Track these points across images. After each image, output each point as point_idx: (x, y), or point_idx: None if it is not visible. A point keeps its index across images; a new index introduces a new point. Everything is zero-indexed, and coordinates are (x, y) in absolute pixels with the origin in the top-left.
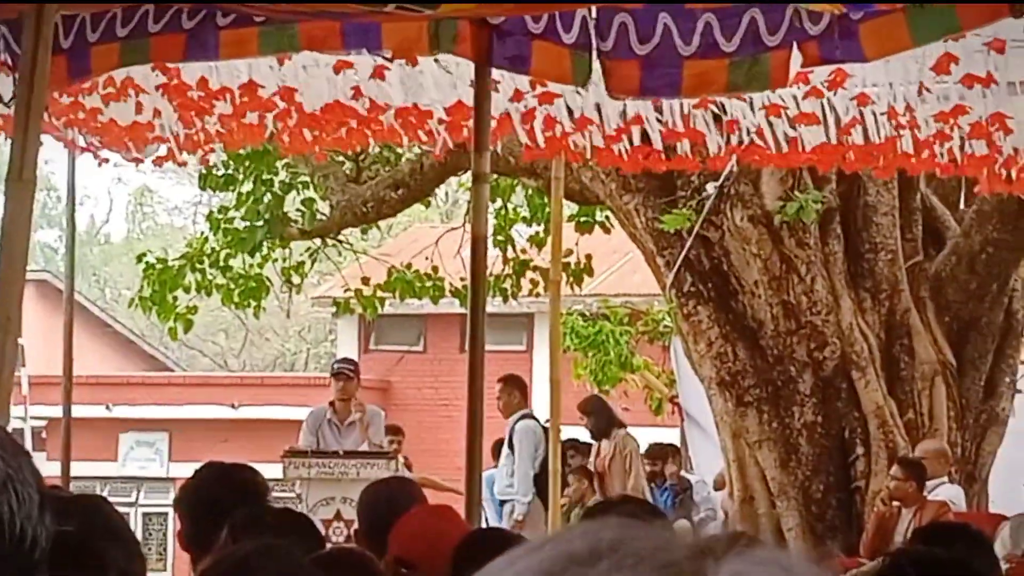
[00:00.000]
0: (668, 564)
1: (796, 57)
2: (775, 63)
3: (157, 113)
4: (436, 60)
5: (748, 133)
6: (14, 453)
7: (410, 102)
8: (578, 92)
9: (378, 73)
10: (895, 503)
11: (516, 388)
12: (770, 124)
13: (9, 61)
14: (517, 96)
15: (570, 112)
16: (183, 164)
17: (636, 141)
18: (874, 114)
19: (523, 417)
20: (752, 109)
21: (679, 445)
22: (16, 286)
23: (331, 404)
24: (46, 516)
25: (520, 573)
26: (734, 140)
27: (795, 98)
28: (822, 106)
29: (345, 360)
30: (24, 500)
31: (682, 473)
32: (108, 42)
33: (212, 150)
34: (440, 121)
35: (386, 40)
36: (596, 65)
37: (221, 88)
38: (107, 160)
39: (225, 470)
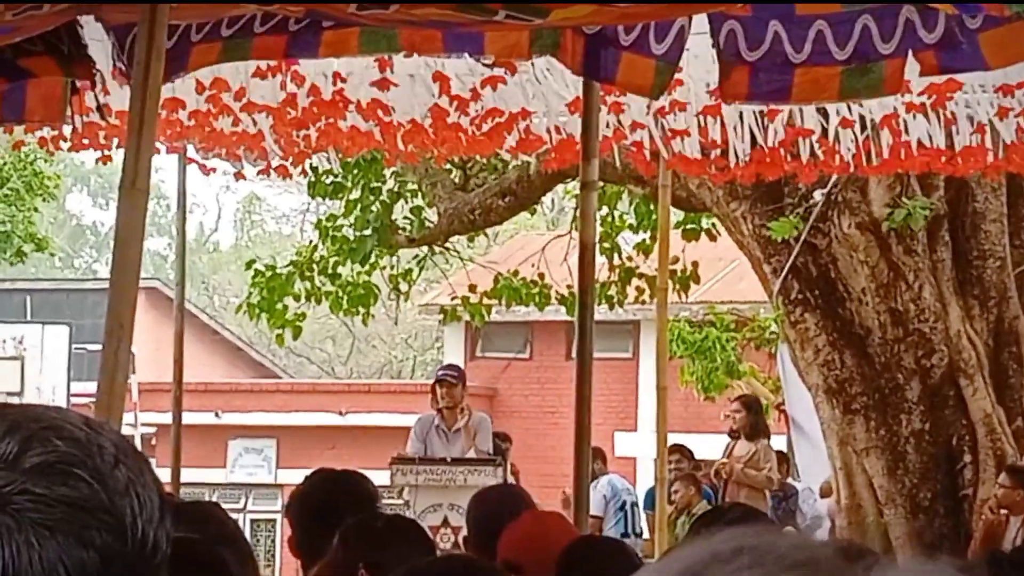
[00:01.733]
0: (806, 563)
1: (912, 65)
2: (890, 71)
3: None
4: (548, 71)
5: (855, 143)
6: (135, 458)
7: (520, 111)
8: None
9: (489, 82)
10: (1003, 511)
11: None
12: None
13: (123, 68)
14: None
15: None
16: (288, 176)
17: (744, 151)
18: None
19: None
20: (865, 123)
21: (785, 452)
22: (129, 294)
23: (439, 411)
24: (167, 520)
25: (662, 570)
26: (844, 150)
27: (902, 105)
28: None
29: (448, 366)
30: (146, 504)
31: (788, 480)
32: (210, 41)
33: (308, 156)
34: (548, 131)
35: (489, 45)
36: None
37: (332, 98)
38: (214, 170)
39: (335, 477)
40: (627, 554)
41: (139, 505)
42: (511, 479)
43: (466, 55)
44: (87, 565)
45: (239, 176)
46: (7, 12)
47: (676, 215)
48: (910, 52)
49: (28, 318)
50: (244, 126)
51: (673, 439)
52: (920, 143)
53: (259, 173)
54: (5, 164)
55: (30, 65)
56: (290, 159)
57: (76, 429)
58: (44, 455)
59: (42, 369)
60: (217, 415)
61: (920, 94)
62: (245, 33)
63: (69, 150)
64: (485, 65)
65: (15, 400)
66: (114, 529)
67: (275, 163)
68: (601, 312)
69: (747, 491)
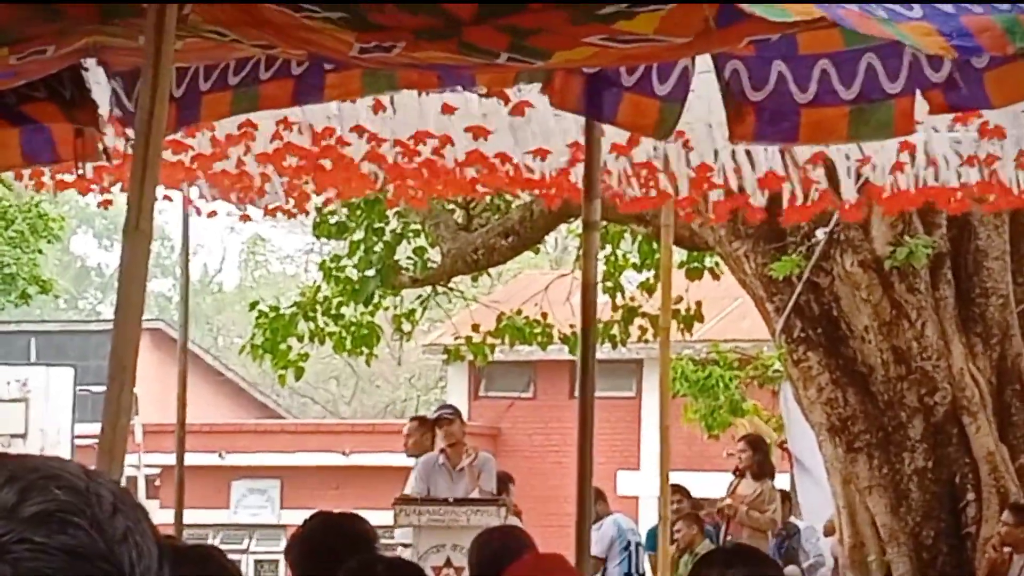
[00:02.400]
0: None
1: (921, 104)
2: (898, 110)
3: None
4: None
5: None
6: (133, 507)
7: (519, 152)
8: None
9: (487, 125)
10: (1007, 548)
11: (427, 429)
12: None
13: (120, 115)
14: (619, 148)
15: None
16: (293, 216)
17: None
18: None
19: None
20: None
21: (788, 490)
22: (132, 335)
23: (442, 451)
24: (165, 568)
25: None
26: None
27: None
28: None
29: (444, 406)
30: (144, 552)
31: (790, 519)
32: (220, 90)
33: (309, 198)
34: (548, 176)
35: (479, 76)
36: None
37: (336, 141)
38: (215, 213)
39: (334, 519)
40: None
41: (137, 553)
42: (514, 520)
43: (460, 88)
44: None
45: (244, 218)
46: (11, 56)
47: (679, 254)
48: (918, 91)
49: (32, 360)
50: (246, 168)
51: (676, 477)
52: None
53: (265, 215)
54: (10, 206)
55: (33, 112)
56: (291, 202)
57: (75, 478)
58: (43, 504)
59: (46, 411)
60: (221, 456)
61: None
62: (251, 80)
63: (78, 191)
64: (481, 96)
65: (19, 442)
66: None
67: (276, 205)
68: (604, 351)
69: (749, 531)
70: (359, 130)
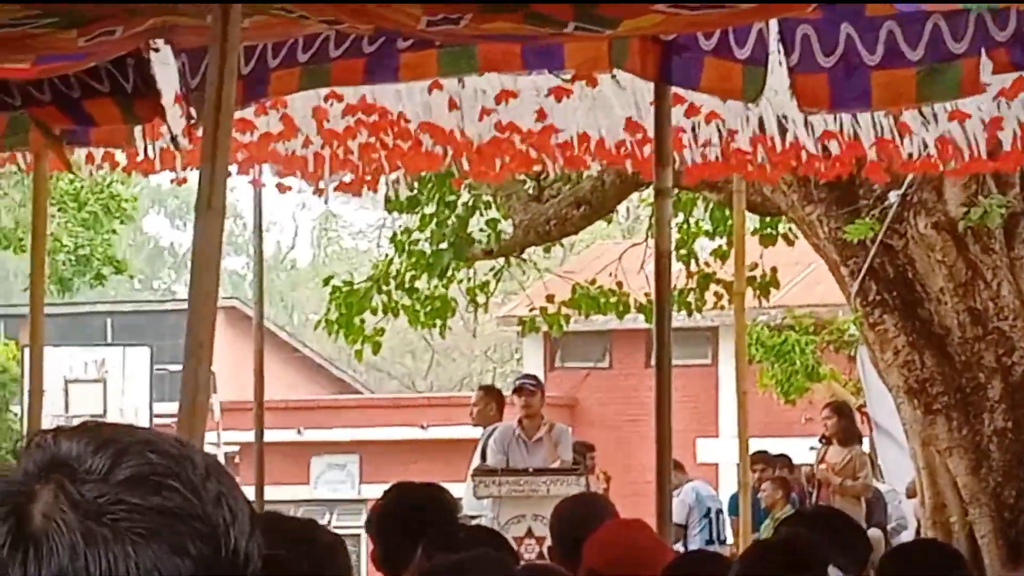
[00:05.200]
0: None
1: (986, 63)
2: (966, 70)
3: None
4: (613, 77)
5: (925, 147)
6: (223, 473)
7: (591, 123)
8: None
9: (556, 95)
10: None
11: (493, 399)
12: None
13: (184, 93)
14: (691, 111)
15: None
16: (358, 194)
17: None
18: None
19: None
20: (936, 119)
21: (869, 454)
22: (208, 313)
23: (519, 421)
24: (257, 532)
25: None
26: (915, 150)
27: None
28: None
29: (527, 376)
30: (237, 515)
31: (871, 482)
32: (288, 67)
33: (380, 174)
34: (618, 144)
35: (569, 60)
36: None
37: (399, 116)
38: (290, 188)
39: (414, 489)
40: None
41: (231, 516)
42: (603, 486)
43: (545, 71)
44: (182, 573)
45: (319, 192)
46: (80, 38)
47: (752, 220)
48: (983, 51)
49: (109, 341)
50: (315, 148)
51: (755, 444)
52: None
53: (336, 190)
54: (83, 188)
55: (93, 110)
56: (366, 176)
57: (167, 444)
58: (137, 467)
59: (124, 391)
60: (299, 432)
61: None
62: (322, 58)
63: (144, 174)
64: (562, 79)
65: None
66: (208, 538)
67: (347, 180)
68: (679, 319)
69: (841, 497)
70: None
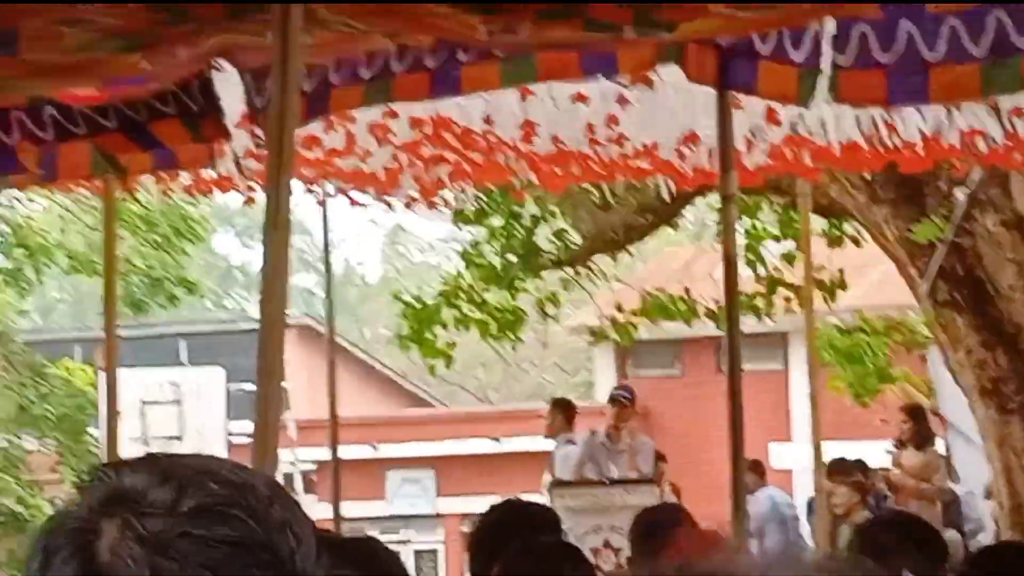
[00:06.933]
0: None
1: None
2: None
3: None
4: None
5: (992, 141)
6: (287, 499)
7: (649, 134)
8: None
9: (618, 103)
10: None
11: (560, 411)
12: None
13: (248, 113)
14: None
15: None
16: (432, 207)
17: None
18: None
19: (567, 442)
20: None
21: (944, 455)
22: (278, 331)
23: (607, 431)
24: (323, 558)
25: None
26: (982, 146)
27: None
28: None
29: (622, 387)
30: (302, 540)
31: (948, 484)
32: (351, 85)
33: (443, 187)
34: (679, 153)
35: (622, 64)
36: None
37: (464, 130)
38: (362, 204)
39: (520, 506)
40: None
41: (296, 541)
42: (671, 498)
43: (600, 76)
44: None
45: (387, 205)
46: (142, 60)
47: (819, 223)
48: None
49: (183, 361)
50: (380, 162)
51: (828, 447)
52: None
53: (406, 205)
54: (153, 210)
55: (160, 132)
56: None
57: (228, 473)
58: (201, 498)
59: (200, 411)
60: (374, 448)
61: None
62: (385, 74)
63: (205, 194)
64: (621, 84)
65: (176, 444)
66: (273, 566)
67: (415, 195)
68: (750, 325)
69: (917, 501)
70: (488, 121)
